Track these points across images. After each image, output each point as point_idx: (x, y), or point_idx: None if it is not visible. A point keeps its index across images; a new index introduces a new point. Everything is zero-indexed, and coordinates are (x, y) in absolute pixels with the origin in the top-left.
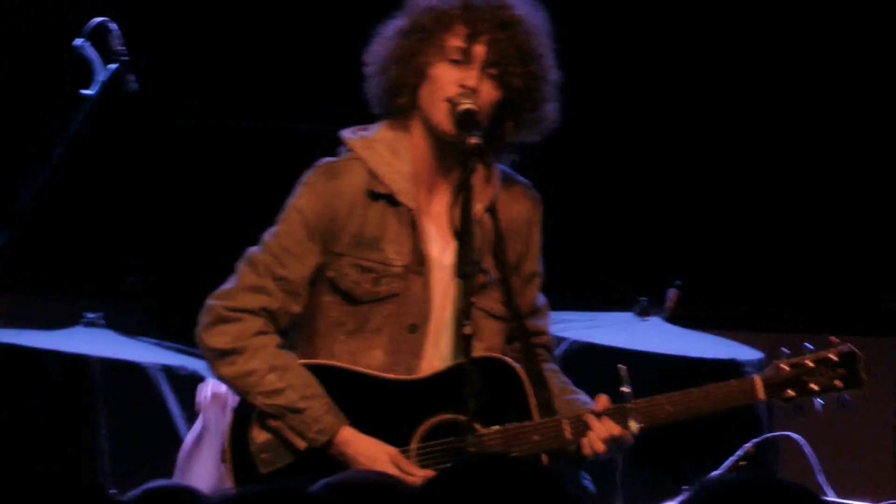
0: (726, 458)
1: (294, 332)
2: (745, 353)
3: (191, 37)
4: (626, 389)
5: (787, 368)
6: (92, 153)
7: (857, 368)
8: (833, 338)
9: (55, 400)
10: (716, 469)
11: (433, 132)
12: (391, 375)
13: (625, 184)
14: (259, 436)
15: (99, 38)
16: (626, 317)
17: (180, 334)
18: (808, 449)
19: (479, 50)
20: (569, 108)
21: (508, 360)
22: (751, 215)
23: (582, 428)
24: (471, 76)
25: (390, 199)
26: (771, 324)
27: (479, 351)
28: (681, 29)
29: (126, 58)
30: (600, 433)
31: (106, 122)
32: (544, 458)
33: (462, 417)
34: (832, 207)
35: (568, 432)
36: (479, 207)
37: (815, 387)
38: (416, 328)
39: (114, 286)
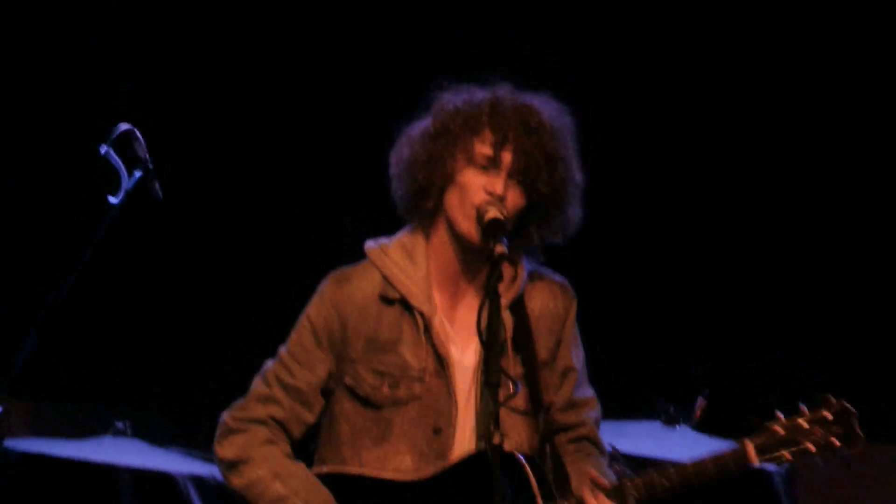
0: None
1: (323, 442)
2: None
3: (217, 144)
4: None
5: (780, 431)
6: (117, 260)
7: (853, 425)
8: (829, 396)
9: None
10: None
11: (458, 237)
12: (400, 477)
13: (652, 291)
14: None
15: (124, 145)
16: (654, 425)
17: (209, 443)
18: None
19: (507, 157)
20: (598, 214)
21: (512, 451)
22: (781, 326)
23: None
24: (498, 183)
25: (404, 304)
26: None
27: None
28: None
29: (151, 165)
30: None
31: (131, 230)
32: None
33: None
34: (862, 320)
35: None
36: (503, 303)
37: (810, 447)
38: (441, 430)
39: (141, 395)
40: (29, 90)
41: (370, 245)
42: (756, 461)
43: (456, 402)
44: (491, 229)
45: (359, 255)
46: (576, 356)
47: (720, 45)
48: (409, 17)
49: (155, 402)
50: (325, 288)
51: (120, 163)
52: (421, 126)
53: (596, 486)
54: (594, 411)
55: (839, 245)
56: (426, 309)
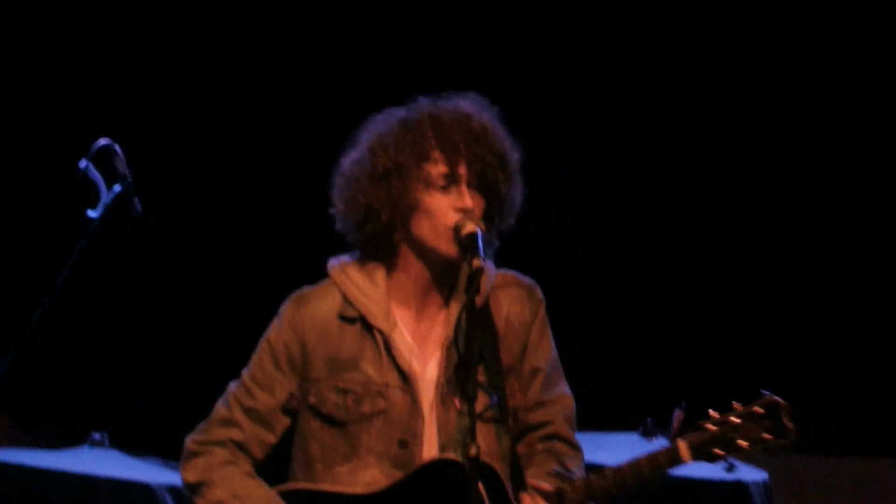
0: None
1: (295, 461)
2: (749, 473)
3: (196, 159)
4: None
5: (713, 428)
6: (97, 275)
7: (782, 418)
8: (764, 392)
9: None
10: None
11: (431, 258)
12: (358, 490)
13: (627, 304)
14: None
15: (104, 159)
16: (631, 437)
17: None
18: None
19: (462, 170)
20: (572, 223)
21: (455, 457)
22: (756, 336)
23: None
24: (464, 197)
25: (363, 322)
26: None
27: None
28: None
29: (130, 180)
30: None
31: (110, 245)
32: None
33: None
34: (846, 331)
35: None
36: (464, 316)
37: (742, 443)
38: (406, 443)
39: (119, 407)
40: (6, 104)
41: (332, 264)
42: (688, 459)
43: (422, 414)
44: (469, 243)
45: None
46: (543, 356)
47: (708, 35)
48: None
49: (132, 412)
50: (285, 310)
51: (99, 177)
52: (360, 161)
53: (536, 491)
54: (566, 409)
55: (814, 250)
56: (384, 327)
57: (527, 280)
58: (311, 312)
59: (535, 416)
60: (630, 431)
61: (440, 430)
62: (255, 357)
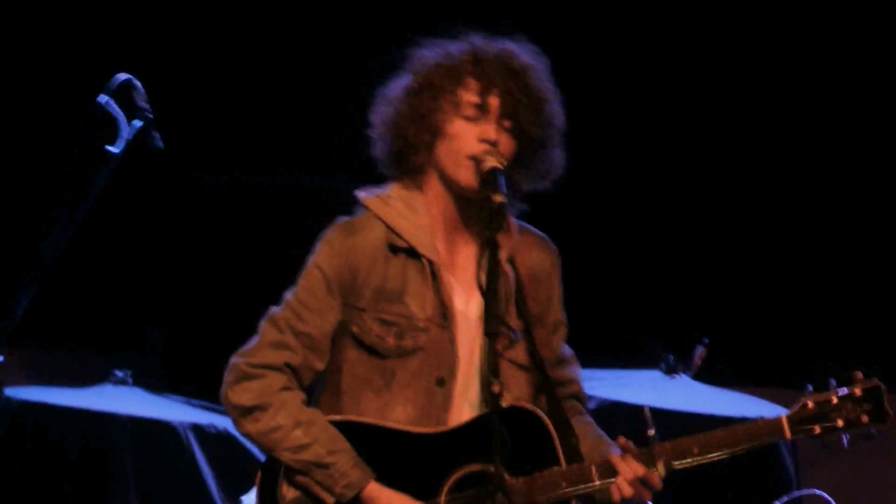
0: None
1: (320, 391)
2: (771, 410)
3: (212, 95)
4: (651, 432)
5: (812, 406)
6: (117, 210)
7: (883, 402)
8: (858, 373)
9: (84, 458)
10: None
11: (454, 189)
12: (417, 429)
13: (651, 242)
14: (288, 493)
15: (123, 95)
16: (654, 374)
17: (209, 392)
18: None
19: (494, 102)
20: (592, 163)
21: (534, 408)
22: (779, 272)
23: (609, 472)
24: (490, 129)
25: (410, 253)
26: (798, 381)
27: (507, 401)
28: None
29: (151, 115)
30: (627, 475)
31: (131, 179)
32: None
33: (490, 468)
34: (861, 264)
35: (595, 477)
36: (503, 256)
37: (840, 423)
38: (444, 381)
39: (140, 343)
40: (28, 40)
41: (366, 196)
42: (790, 436)
43: (457, 353)
44: (490, 178)
45: (348, 208)
46: (562, 311)
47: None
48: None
49: (155, 350)
50: (335, 237)
51: (120, 112)
52: (401, 84)
53: (626, 450)
54: (578, 367)
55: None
56: (434, 257)
57: (540, 232)
58: (362, 241)
59: (557, 372)
60: (652, 369)
61: (482, 373)
62: (303, 282)
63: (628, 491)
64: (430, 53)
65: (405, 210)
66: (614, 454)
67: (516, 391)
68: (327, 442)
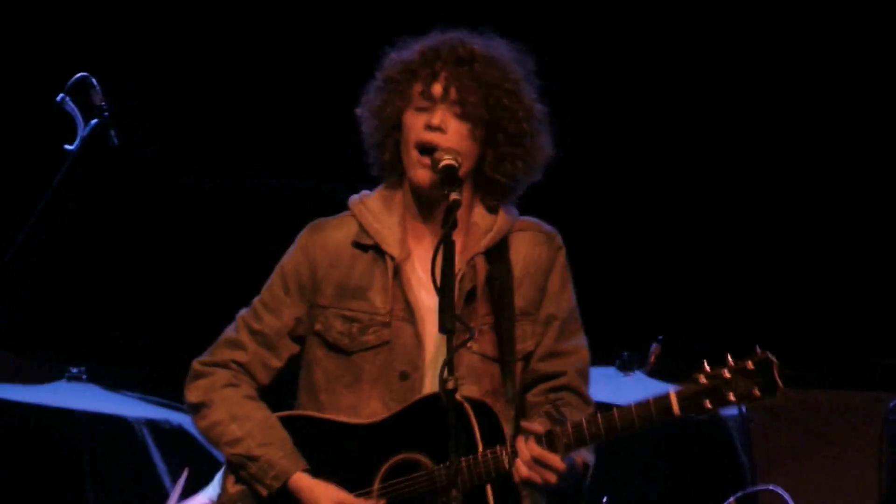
0: None
1: (300, 389)
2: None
3: (172, 91)
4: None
5: (704, 381)
6: (74, 208)
7: (773, 375)
8: (756, 347)
9: (39, 454)
10: None
11: (413, 187)
12: (357, 420)
13: (607, 239)
14: (232, 487)
15: (80, 92)
16: (608, 371)
17: (163, 388)
18: (790, 502)
19: (438, 88)
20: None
21: (462, 399)
22: (733, 268)
23: (515, 455)
24: (435, 115)
25: (377, 250)
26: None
27: (473, 393)
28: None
29: (107, 112)
30: (524, 456)
31: (88, 177)
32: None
33: (417, 456)
34: (818, 260)
35: (505, 461)
36: (475, 250)
37: (732, 397)
38: (408, 375)
39: (97, 341)
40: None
41: (352, 197)
42: (678, 412)
43: (424, 346)
44: (445, 176)
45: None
46: (562, 305)
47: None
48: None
49: (110, 347)
50: (301, 236)
51: (76, 111)
52: (371, 85)
53: (528, 432)
54: (580, 361)
55: (789, 189)
56: (396, 253)
57: (547, 227)
58: (323, 239)
59: (548, 365)
60: (607, 366)
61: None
62: (267, 282)
63: (524, 471)
64: (395, 52)
65: (380, 209)
66: (520, 437)
67: (485, 383)
68: (259, 435)
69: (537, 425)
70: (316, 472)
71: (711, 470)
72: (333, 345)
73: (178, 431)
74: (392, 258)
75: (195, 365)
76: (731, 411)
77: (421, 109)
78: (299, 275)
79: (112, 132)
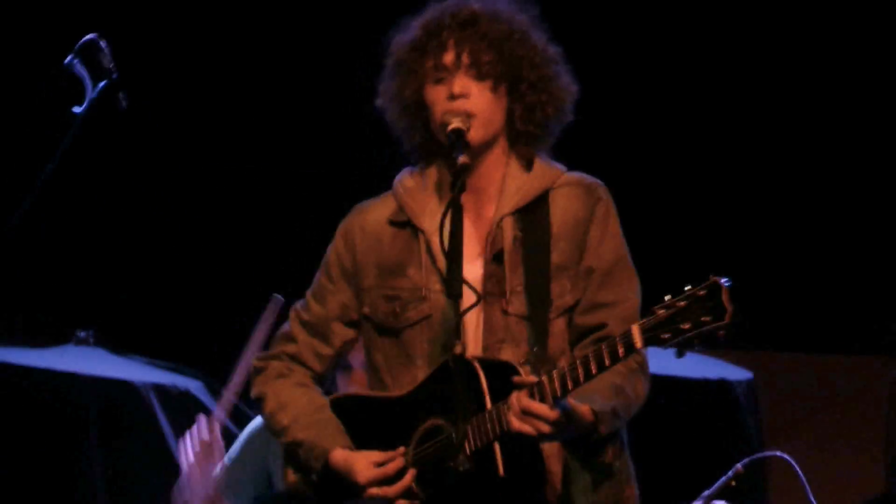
0: (717, 477)
1: (368, 372)
2: (733, 372)
3: (182, 54)
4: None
5: (662, 312)
6: (82, 170)
7: (721, 298)
8: (711, 276)
9: (46, 418)
10: (707, 489)
11: (444, 154)
12: (391, 393)
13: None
14: (291, 476)
15: (89, 55)
16: None
17: (171, 352)
18: (798, 468)
19: (450, 57)
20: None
21: (472, 358)
22: (741, 231)
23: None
24: (454, 84)
25: (412, 226)
26: (761, 342)
27: (508, 356)
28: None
29: (116, 75)
30: (514, 409)
31: (96, 140)
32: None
33: (439, 421)
34: (822, 227)
35: (504, 414)
36: (504, 211)
37: (686, 326)
38: (450, 347)
39: (104, 304)
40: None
41: (398, 176)
42: (640, 344)
43: (463, 318)
44: (453, 140)
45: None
46: (604, 256)
47: None
48: None
49: (118, 311)
50: (344, 221)
51: (85, 73)
52: (384, 72)
53: (519, 385)
54: (626, 311)
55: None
56: (427, 226)
57: (590, 179)
58: (361, 220)
59: (590, 318)
60: None
61: (486, 330)
62: (317, 273)
63: (516, 424)
64: (398, 35)
65: (413, 184)
66: (514, 391)
67: (520, 344)
68: (304, 420)
69: (529, 377)
70: (361, 447)
71: (718, 436)
72: (381, 325)
73: (186, 396)
74: (422, 232)
75: (254, 361)
76: (739, 375)
77: (439, 81)
78: (341, 261)
79: (121, 95)
